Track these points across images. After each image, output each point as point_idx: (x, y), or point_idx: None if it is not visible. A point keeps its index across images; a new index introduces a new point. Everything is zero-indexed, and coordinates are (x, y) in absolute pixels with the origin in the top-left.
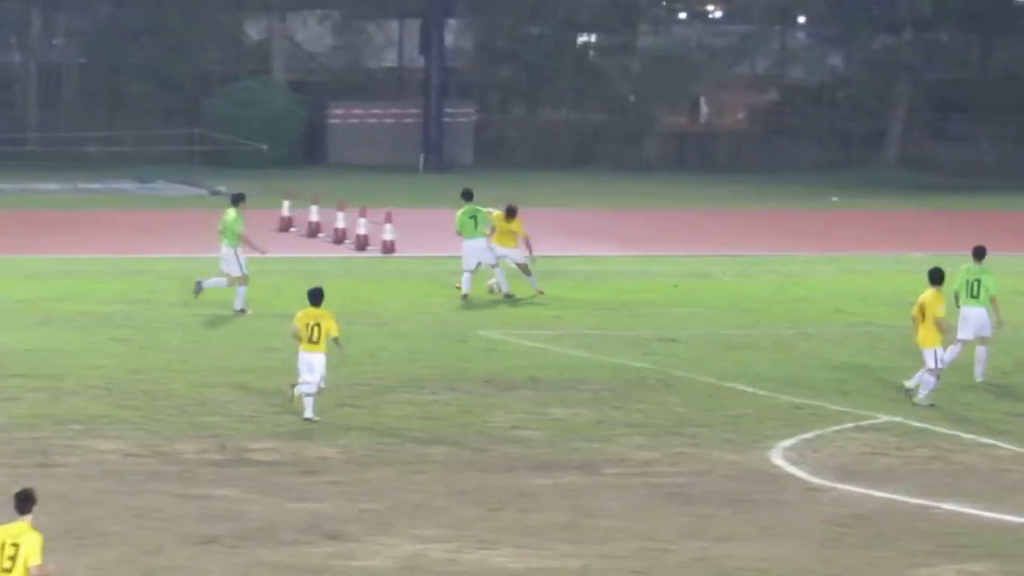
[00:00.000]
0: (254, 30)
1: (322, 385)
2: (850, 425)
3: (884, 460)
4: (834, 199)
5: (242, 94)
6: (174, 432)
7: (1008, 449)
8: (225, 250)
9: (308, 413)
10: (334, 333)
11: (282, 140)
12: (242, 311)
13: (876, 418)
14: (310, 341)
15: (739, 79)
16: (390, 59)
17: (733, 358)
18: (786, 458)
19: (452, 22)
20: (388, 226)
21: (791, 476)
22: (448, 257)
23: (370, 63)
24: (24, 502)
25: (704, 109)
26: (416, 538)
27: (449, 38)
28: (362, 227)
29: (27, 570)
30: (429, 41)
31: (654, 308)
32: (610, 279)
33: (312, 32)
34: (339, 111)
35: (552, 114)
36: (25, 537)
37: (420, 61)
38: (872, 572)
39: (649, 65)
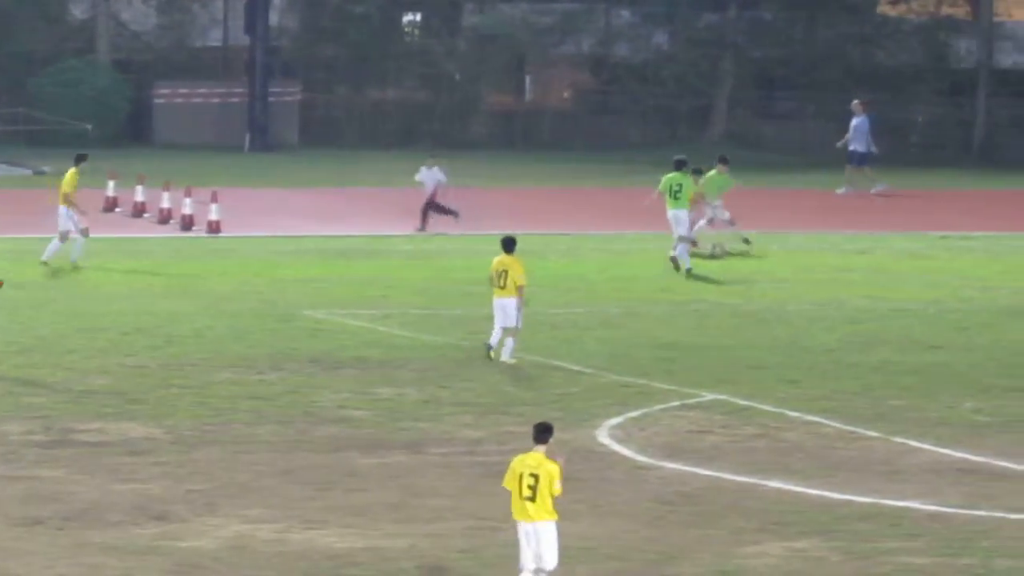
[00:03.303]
0: (79, 9)
1: (518, 326)
2: (676, 403)
3: (710, 438)
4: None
5: (67, 73)
6: None
7: (833, 427)
8: None
9: (504, 356)
10: (519, 281)
11: (107, 120)
12: None
13: (702, 396)
14: (499, 287)
15: (564, 58)
16: (215, 38)
17: (560, 336)
18: (613, 436)
19: (277, 1)
20: (214, 206)
21: (618, 454)
22: (274, 237)
23: (195, 42)
24: (542, 432)
25: (529, 88)
26: (243, 518)
27: (274, 17)
28: (188, 207)
29: (551, 498)
30: (254, 20)
31: (480, 287)
32: (436, 258)
33: (137, 11)
34: (164, 90)
35: (378, 93)
36: (543, 467)
37: (245, 40)
38: (699, 550)
39: (474, 44)
